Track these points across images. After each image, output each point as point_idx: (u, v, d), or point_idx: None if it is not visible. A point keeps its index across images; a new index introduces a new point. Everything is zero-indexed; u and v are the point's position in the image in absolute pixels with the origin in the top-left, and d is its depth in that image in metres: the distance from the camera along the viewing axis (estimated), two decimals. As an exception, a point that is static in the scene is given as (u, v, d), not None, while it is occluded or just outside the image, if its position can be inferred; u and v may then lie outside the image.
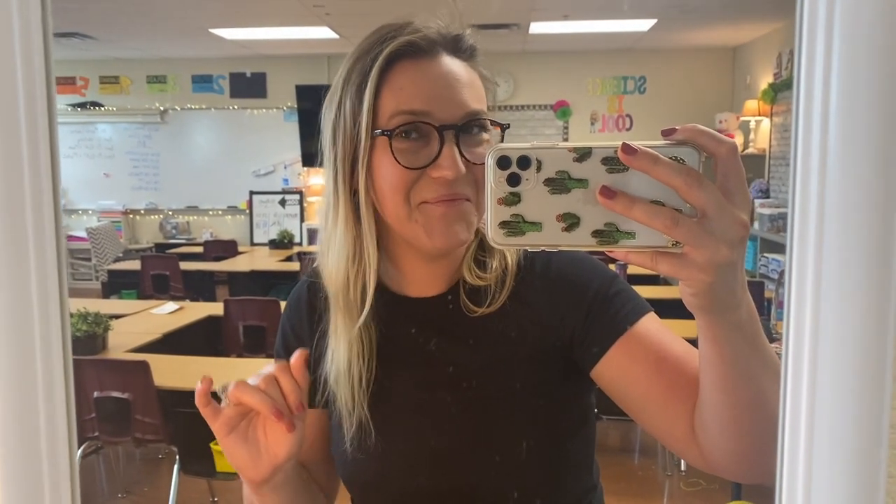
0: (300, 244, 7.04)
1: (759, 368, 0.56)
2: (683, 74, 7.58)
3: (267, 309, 3.71)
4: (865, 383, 0.34)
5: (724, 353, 0.55)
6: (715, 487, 3.19)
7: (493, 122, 0.75)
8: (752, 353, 0.55)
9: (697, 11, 5.63)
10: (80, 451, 2.74)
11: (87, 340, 2.89)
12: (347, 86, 0.74)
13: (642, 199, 0.46)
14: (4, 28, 0.33)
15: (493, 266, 0.80)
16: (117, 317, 3.47)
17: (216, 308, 3.85)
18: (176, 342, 3.31)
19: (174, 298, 4.74)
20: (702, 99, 7.47)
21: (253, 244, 7.71)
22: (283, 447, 0.68)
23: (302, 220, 7.95)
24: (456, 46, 0.76)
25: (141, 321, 3.61)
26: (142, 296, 5.22)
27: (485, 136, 0.75)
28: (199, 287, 5.41)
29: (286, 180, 8.23)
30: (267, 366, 0.69)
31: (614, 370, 0.75)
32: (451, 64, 0.74)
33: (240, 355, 3.72)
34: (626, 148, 0.45)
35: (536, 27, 6.27)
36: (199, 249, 6.76)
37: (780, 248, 5.38)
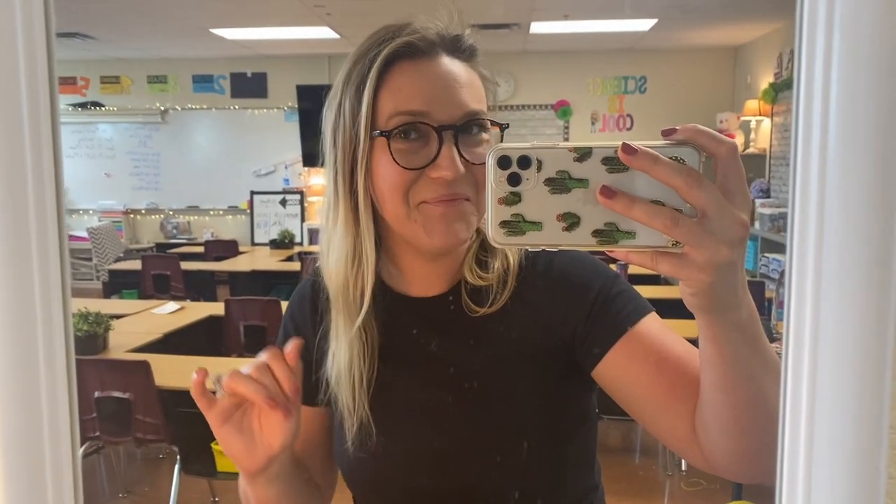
0: (301, 244, 7.04)
1: (759, 368, 0.56)
2: (684, 74, 7.58)
3: (268, 309, 3.71)
4: (865, 383, 0.34)
5: (725, 353, 0.55)
6: (716, 487, 3.19)
7: (492, 122, 0.76)
8: (753, 353, 0.55)
9: (698, 11, 5.63)
10: (80, 451, 2.74)
11: (88, 340, 2.90)
12: (347, 87, 0.75)
13: (642, 198, 0.46)
14: (8, 28, 0.33)
15: (495, 266, 0.80)
16: (118, 317, 3.47)
17: (217, 308, 3.85)
18: (177, 342, 3.32)
19: (175, 298, 4.74)
20: (702, 99, 7.47)
21: (254, 244, 7.71)
22: (278, 437, 0.68)
23: (303, 220, 7.95)
24: (455, 47, 0.76)
25: (142, 321, 3.61)
26: (143, 296, 5.22)
27: (484, 136, 0.75)
28: (199, 287, 5.41)
29: (287, 180, 8.23)
30: (261, 353, 0.69)
31: (615, 370, 0.75)
32: (450, 64, 0.75)
33: (241, 355, 3.72)
34: (627, 148, 0.45)
35: (537, 27, 6.27)
36: (200, 249, 6.76)
37: (780, 247, 5.38)
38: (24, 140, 0.34)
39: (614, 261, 0.53)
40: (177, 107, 8.24)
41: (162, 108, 8.21)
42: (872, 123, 0.33)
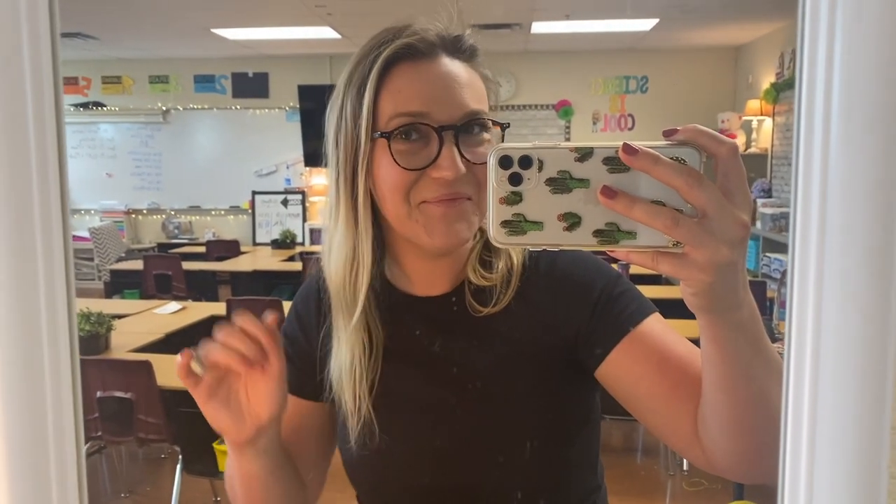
0: (302, 244, 7.05)
1: (760, 368, 0.56)
2: (685, 74, 7.58)
3: (269, 309, 3.70)
4: (867, 383, 0.34)
5: (726, 353, 0.55)
6: (717, 487, 3.19)
7: (493, 122, 0.76)
8: (754, 353, 0.55)
9: (699, 11, 5.62)
10: (83, 450, 2.74)
11: (90, 340, 2.90)
12: (348, 89, 0.75)
13: (643, 199, 0.46)
14: (12, 29, 0.33)
15: (499, 266, 0.80)
16: (120, 317, 3.48)
17: (219, 308, 3.86)
18: (178, 342, 3.32)
19: (177, 298, 4.74)
20: (704, 98, 7.46)
21: (255, 244, 7.72)
22: (266, 406, 0.68)
23: (304, 219, 7.95)
24: (455, 47, 0.76)
25: (143, 321, 3.62)
26: (144, 296, 5.23)
27: (486, 135, 0.75)
28: (201, 287, 5.41)
29: (288, 180, 8.23)
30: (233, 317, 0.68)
31: (618, 370, 0.75)
32: (451, 65, 0.75)
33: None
34: (627, 148, 0.45)
35: (538, 27, 6.27)
36: (202, 249, 6.77)
37: (782, 247, 5.37)
38: (28, 140, 0.34)
39: (616, 260, 0.53)
40: (178, 107, 8.24)
41: (163, 108, 8.22)
42: (874, 123, 0.33)
